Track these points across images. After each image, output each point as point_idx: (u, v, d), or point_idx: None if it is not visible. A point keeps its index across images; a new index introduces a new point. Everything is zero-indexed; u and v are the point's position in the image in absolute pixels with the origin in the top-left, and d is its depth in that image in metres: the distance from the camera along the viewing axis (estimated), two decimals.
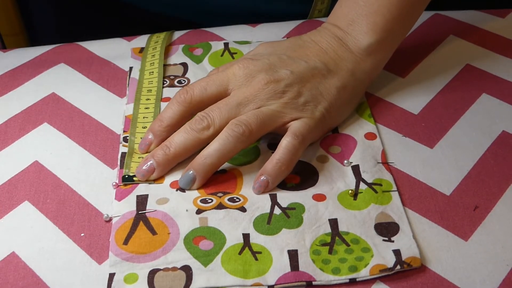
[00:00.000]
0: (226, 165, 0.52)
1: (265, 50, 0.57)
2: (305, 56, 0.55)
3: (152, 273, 0.44)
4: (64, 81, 0.61)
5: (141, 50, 0.65)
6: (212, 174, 0.50)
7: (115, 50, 0.65)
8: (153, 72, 0.61)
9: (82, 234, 0.47)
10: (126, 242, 0.46)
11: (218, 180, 0.51)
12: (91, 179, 0.51)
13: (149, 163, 0.51)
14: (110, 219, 0.48)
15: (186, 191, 0.50)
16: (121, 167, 0.52)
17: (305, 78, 0.53)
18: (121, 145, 0.54)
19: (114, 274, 0.44)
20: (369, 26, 0.55)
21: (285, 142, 0.50)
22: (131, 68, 0.62)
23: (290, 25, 0.67)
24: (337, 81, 0.54)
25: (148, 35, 0.67)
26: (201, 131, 0.51)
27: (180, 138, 0.51)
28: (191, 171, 0.50)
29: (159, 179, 0.51)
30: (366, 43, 0.55)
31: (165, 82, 0.61)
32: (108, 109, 0.58)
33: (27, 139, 0.55)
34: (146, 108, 0.57)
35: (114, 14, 0.77)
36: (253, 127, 0.50)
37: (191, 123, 0.51)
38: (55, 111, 0.58)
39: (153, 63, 0.61)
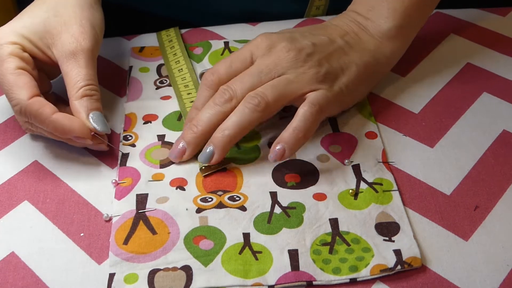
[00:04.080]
0: (226, 163, 0.52)
1: (286, 30, 0.57)
2: (326, 33, 0.56)
3: (152, 273, 0.44)
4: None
5: (141, 49, 0.64)
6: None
7: (115, 49, 0.65)
8: (182, 69, 0.61)
9: (82, 234, 0.47)
10: (126, 242, 0.46)
11: (218, 178, 0.51)
12: (91, 179, 0.51)
13: (180, 145, 0.52)
14: (110, 219, 0.48)
15: (185, 189, 0.50)
16: (121, 165, 0.52)
17: (326, 50, 0.54)
18: (121, 143, 0.54)
19: (114, 274, 0.44)
20: (389, 11, 0.56)
21: (302, 111, 0.50)
22: (131, 67, 0.62)
23: (291, 23, 0.67)
24: (358, 59, 0.55)
25: (148, 34, 0.67)
26: (224, 104, 0.51)
27: (205, 115, 0.52)
28: (211, 146, 0.50)
29: (159, 175, 0.51)
30: (386, 27, 0.56)
31: (165, 81, 0.61)
32: (108, 108, 0.58)
33: (27, 139, 0.55)
34: (192, 102, 0.57)
35: (113, 15, 0.77)
36: (269, 99, 0.50)
37: (214, 98, 0.52)
38: None
39: (178, 61, 0.62)
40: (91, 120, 0.51)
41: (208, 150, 0.50)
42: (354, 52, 0.55)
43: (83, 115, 0.51)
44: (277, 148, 0.49)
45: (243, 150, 0.53)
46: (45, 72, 0.55)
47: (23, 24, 0.53)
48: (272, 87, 0.51)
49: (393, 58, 0.58)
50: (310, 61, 0.52)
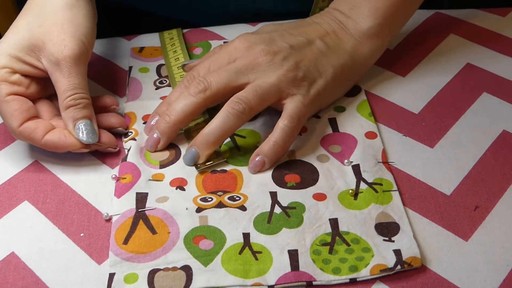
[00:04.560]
0: (226, 165, 0.52)
1: (267, 28, 0.58)
2: (305, 33, 0.56)
3: (152, 273, 0.44)
4: None
5: (141, 49, 0.65)
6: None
7: (114, 49, 0.65)
8: (180, 67, 0.61)
9: (82, 234, 0.47)
10: (126, 241, 0.46)
11: (218, 179, 0.51)
12: (91, 179, 0.51)
13: (154, 136, 0.52)
14: (110, 218, 0.48)
15: (185, 189, 0.50)
16: (122, 160, 0.52)
17: (303, 52, 0.54)
18: (124, 142, 0.54)
19: (114, 274, 0.44)
20: (371, 10, 0.57)
21: (282, 125, 0.51)
22: (130, 68, 0.62)
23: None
24: (335, 60, 0.55)
25: (148, 34, 0.67)
26: (197, 94, 0.52)
27: (179, 105, 0.52)
28: (194, 148, 0.51)
29: (159, 175, 0.51)
30: (366, 26, 0.57)
31: (164, 82, 0.61)
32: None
33: None
34: None
35: (113, 15, 0.77)
36: (253, 104, 0.51)
37: (188, 88, 0.53)
38: None
39: (178, 58, 0.62)
40: (77, 132, 0.51)
41: (192, 152, 0.51)
42: (332, 54, 0.55)
43: (70, 126, 0.51)
44: (256, 159, 0.51)
45: (243, 151, 0.53)
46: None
47: (7, 44, 0.52)
48: (253, 91, 0.51)
49: (372, 58, 0.58)
50: (286, 65, 0.53)
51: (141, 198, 0.49)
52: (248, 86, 0.52)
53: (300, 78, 0.53)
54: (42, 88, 0.54)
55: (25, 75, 0.52)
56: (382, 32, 0.57)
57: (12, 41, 0.52)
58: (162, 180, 0.51)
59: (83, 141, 0.51)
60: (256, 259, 0.45)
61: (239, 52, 0.54)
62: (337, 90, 0.57)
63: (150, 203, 0.49)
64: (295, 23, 0.58)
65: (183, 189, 0.50)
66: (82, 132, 0.51)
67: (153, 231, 0.47)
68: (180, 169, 0.52)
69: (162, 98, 0.58)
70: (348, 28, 0.57)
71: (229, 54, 0.55)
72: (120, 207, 0.48)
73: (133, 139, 0.54)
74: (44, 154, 0.53)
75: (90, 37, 0.53)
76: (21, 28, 0.52)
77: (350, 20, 0.57)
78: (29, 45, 0.51)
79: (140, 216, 0.48)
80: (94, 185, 0.51)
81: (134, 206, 0.48)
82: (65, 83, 0.51)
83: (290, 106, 0.52)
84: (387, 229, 0.47)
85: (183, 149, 0.54)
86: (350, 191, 0.49)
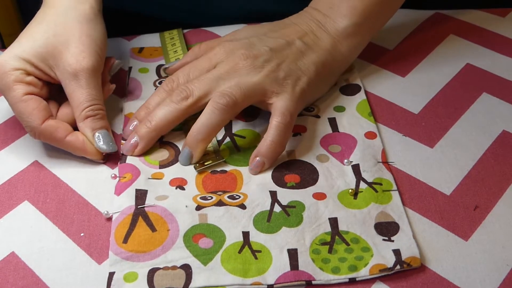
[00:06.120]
0: (226, 165, 0.52)
1: (245, 32, 0.58)
2: (284, 35, 0.57)
3: (152, 272, 0.44)
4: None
5: (140, 50, 0.65)
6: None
7: (114, 49, 0.65)
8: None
9: (82, 234, 0.47)
10: (125, 240, 0.46)
11: (218, 180, 0.51)
12: (91, 179, 0.51)
13: (133, 140, 0.53)
14: (111, 217, 0.48)
15: (185, 188, 0.50)
16: (121, 162, 0.52)
17: (283, 54, 0.55)
18: (121, 143, 0.54)
19: (113, 273, 0.44)
20: (349, 9, 0.57)
21: (275, 123, 0.52)
22: (130, 68, 0.62)
23: None
24: (316, 58, 0.56)
25: (147, 34, 0.67)
26: (180, 102, 0.52)
27: (160, 111, 0.52)
28: (186, 148, 0.52)
29: (158, 174, 0.51)
30: (343, 25, 0.57)
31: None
32: (107, 108, 0.58)
33: (27, 139, 0.55)
34: None
35: (113, 17, 0.77)
36: (237, 97, 0.51)
37: (171, 96, 0.53)
38: None
39: (178, 58, 0.62)
40: (97, 141, 0.52)
41: (185, 152, 0.52)
42: (312, 52, 0.56)
43: (89, 135, 0.52)
44: (256, 160, 0.51)
45: (243, 152, 0.54)
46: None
47: (22, 49, 0.52)
48: (238, 86, 0.52)
49: (350, 56, 0.59)
50: (268, 67, 0.53)
51: (141, 195, 0.49)
52: (232, 84, 0.52)
53: (282, 78, 0.53)
54: (51, 91, 0.54)
55: (37, 78, 0.53)
56: (360, 30, 0.58)
57: (28, 47, 0.52)
58: (161, 179, 0.51)
59: (103, 149, 0.52)
60: (256, 258, 0.45)
61: (219, 57, 0.55)
62: (320, 86, 0.57)
63: (149, 201, 0.49)
64: (273, 25, 0.59)
65: (183, 189, 0.50)
66: (102, 142, 0.52)
67: (152, 228, 0.47)
68: (180, 169, 0.52)
69: None
70: (326, 27, 0.58)
71: (209, 60, 0.55)
72: (120, 204, 0.48)
73: None
74: (44, 154, 0.53)
75: (104, 51, 0.55)
76: (36, 35, 0.53)
77: (328, 19, 0.58)
78: (44, 52, 0.52)
79: (140, 213, 0.48)
80: (94, 185, 0.51)
81: (133, 203, 0.48)
82: (83, 94, 0.52)
83: (279, 104, 0.52)
84: (387, 229, 0.47)
85: None
86: (350, 190, 0.49)
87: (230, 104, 0.51)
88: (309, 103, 0.57)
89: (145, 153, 0.53)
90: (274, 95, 0.53)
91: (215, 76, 0.53)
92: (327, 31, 0.57)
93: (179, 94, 0.52)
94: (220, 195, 0.49)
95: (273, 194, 0.49)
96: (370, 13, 0.57)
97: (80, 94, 0.52)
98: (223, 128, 0.55)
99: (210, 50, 0.56)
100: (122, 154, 0.53)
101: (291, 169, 0.52)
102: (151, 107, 0.54)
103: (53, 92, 0.55)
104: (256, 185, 0.50)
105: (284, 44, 0.56)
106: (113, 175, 0.51)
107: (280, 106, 0.52)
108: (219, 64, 0.54)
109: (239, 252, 0.45)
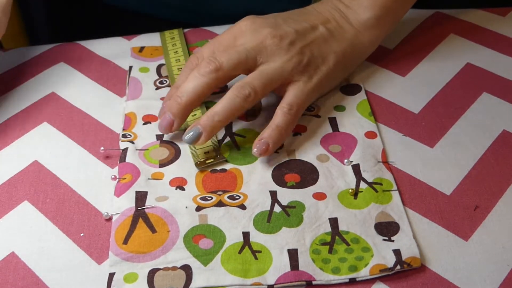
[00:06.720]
0: (226, 164, 0.52)
1: (270, 15, 0.58)
2: (308, 20, 0.57)
3: (152, 273, 0.44)
4: (63, 81, 0.61)
5: (141, 49, 0.65)
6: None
7: (114, 49, 0.65)
8: (181, 68, 0.61)
9: (82, 234, 0.47)
10: (125, 241, 0.46)
11: (218, 179, 0.51)
12: (91, 179, 0.51)
13: (167, 117, 0.52)
14: (110, 218, 0.48)
15: (185, 189, 0.50)
16: (120, 161, 0.52)
17: (307, 37, 0.55)
18: (120, 141, 0.54)
19: (114, 273, 0.44)
20: (370, 2, 0.58)
21: (281, 112, 0.52)
22: (130, 67, 0.62)
23: None
24: (337, 47, 0.56)
25: (148, 34, 0.67)
26: (208, 75, 0.52)
27: (190, 85, 0.52)
28: (198, 127, 0.51)
29: (158, 174, 0.51)
30: (366, 17, 0.58)
31: (165, 82, 0.61)
32: (107, 108, 0.58)
33: (26, 138, 0.55)
34: None
35: (113, 16, 0.77)
36: (258, 89, 0.52)
37: (199, 69, 0.52)
38: (55, 111, 0.58)
39: (179, 59, 0.62)
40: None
41: (195, 131, 0.51)
42: (334, 40, 0.57)
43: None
44: (262, 141, 0.51)
45: (243, 151, 0.53)
46: None
47: None
48: (259, 77, 0.52)
49: (371, 47, 0.60)
50: (293, 49, 0.54)
51: (141, 197, 0.49)
52: (254, 72, 0.53)
53: (304, 64, 0.54)
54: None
55: None
56: (381, 22, 0.58)
57: None
58: (161, 179, 0.51)
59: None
60: (256, 258, 0.45)
61: (244, 34, 0.55)
62: (337, 76, 0.58)
63: (149, 202, 0.49)
64: (297, 11, 0.59)
65: (183, 189, 0.50)
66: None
67: (152, 229, 0.47)
68: (180, 168, 0.52)
69: (162, 98, 0.58)
70: (348, 18, 0.58)
71: (234, 35, 0.55)
72: (120, 206, 0.48)
73: (131, 142, 0.54)
74: (44, 154, 0.53)
75: None
76: None
77: (350, 10, 0.58)
78: None
79: (140, 214, 0.48)
80: (94, 185, 0.51)
81: (133, 205, 0.48)
82: None
83: (292, 93, 0.53)
84: (387, 229, 0.47)
85: (183, 148, 0.54)
86: (350, 190, 0.49)
87: (252, 95, 0.51)
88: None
89: (146, 151, 0.53)
90: (291, 82, 0.53)
91: (243, 50, 0.53)
92: (349, 22, 0.58)
93: (207, 66, 0.52)
94: (220, 195, 0.49)
95: (273, 194, 0.49)
96: (390, 6, 0.58)
97: None
98: (223, 128, 0.55)
99: (234, 26, 0.56)
100: (122, 151, 0.53)
101: (291, 168, 0.52)
102: (179, 85, 0.54)
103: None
104: (256, 185, 0.50)
105: (308, 27, 0.56)
106: (113, 176, 0.51)
107: (292, 95, 0.53)
108: (245, 40, 0.54)
109: (239, 252, 0.45)
